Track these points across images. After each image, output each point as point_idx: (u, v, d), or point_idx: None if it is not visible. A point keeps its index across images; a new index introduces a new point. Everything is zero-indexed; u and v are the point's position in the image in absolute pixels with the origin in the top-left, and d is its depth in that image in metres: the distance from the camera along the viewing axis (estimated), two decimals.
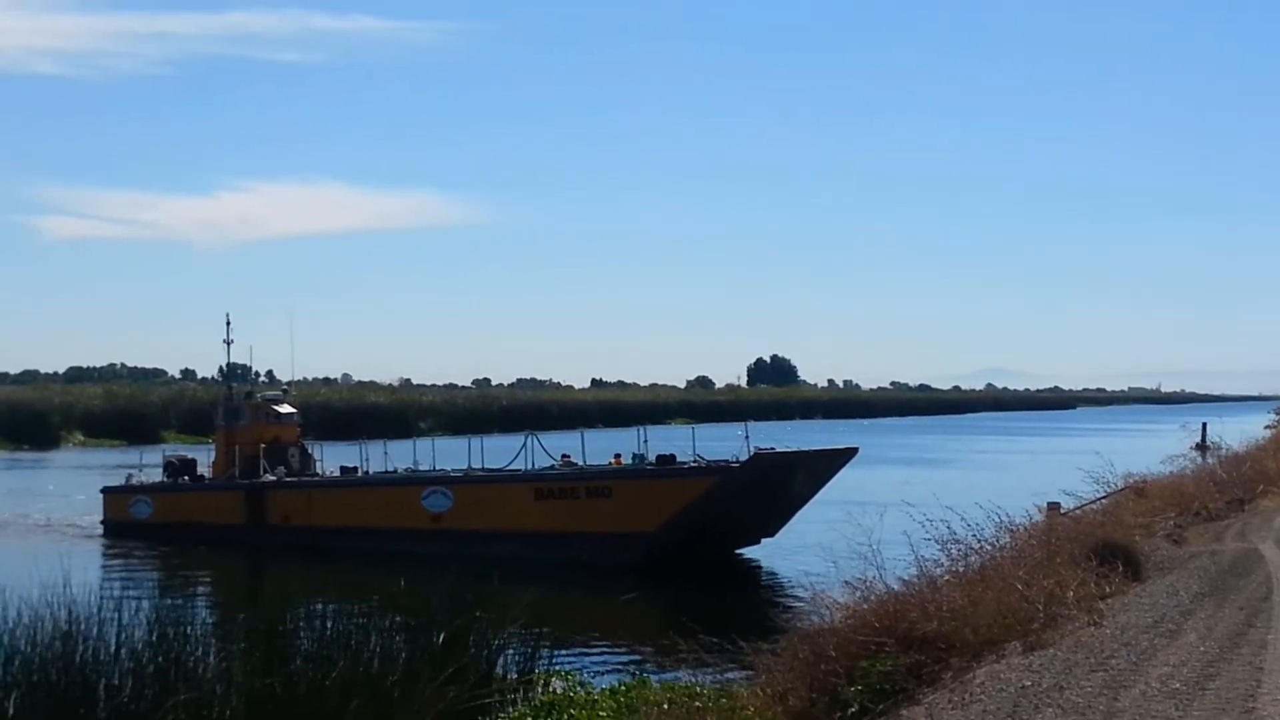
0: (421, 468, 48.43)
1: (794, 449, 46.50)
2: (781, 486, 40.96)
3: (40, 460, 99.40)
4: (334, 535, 44.43)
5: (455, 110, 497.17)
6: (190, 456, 54.90)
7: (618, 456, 43.71)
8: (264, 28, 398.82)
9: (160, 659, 14.25)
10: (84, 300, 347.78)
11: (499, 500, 43.72)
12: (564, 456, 44.76)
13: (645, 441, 43.03)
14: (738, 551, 42.06)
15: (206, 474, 53.15)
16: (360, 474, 49.57)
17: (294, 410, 53.78)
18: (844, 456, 43.99)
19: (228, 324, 53.06)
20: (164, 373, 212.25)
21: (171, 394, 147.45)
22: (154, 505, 52.10)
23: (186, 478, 53.35)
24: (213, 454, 53.39)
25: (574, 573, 37.84)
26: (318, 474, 51.45)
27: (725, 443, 44.42)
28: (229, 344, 53.40)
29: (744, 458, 40.66)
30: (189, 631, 15.06)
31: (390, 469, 49.12)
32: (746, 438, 41.09)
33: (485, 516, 43.06)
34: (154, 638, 14.46)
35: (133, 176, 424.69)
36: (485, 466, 46.28)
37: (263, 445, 50.67)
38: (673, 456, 41.95)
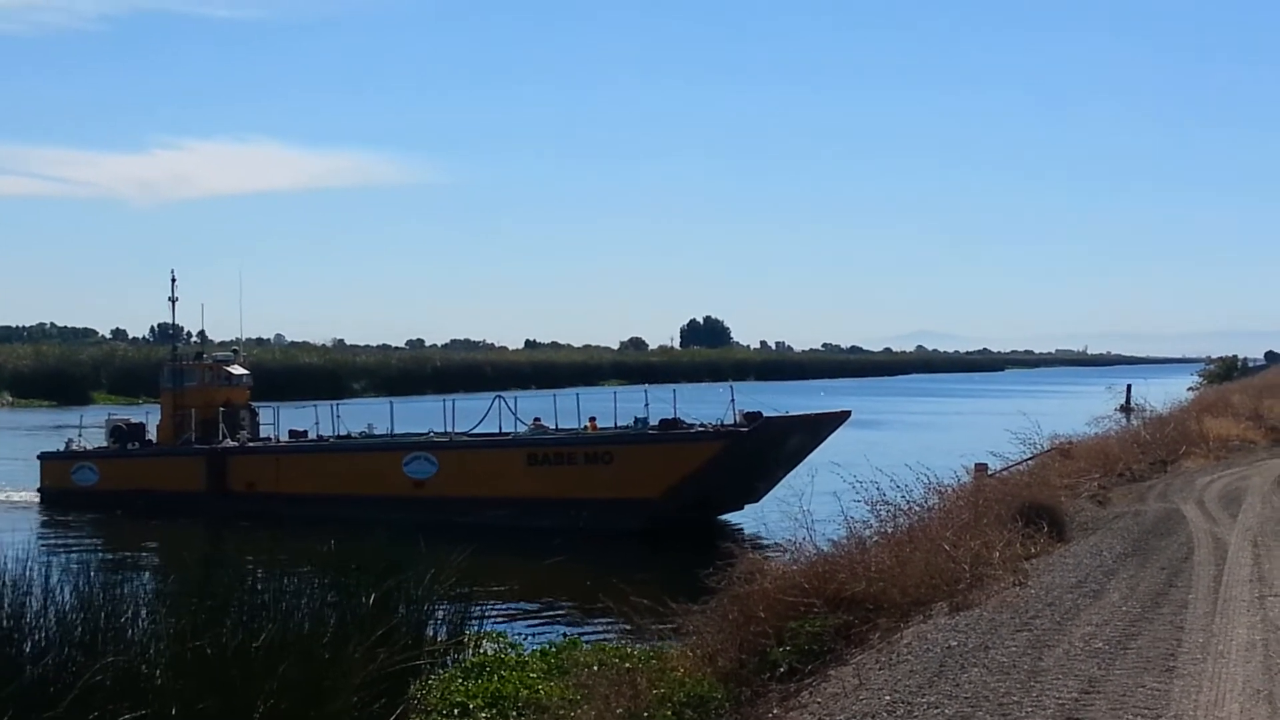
0: (376, 431, 47.34)
1: (795, 413, 45.45)
2: (782, 451, 40.41)
3: None
4: (304, 503, 42.35)
5: (390, 69, 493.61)
6: (138, 421, 52.55)
7: (593, 420, 42.94)
8: None
9: (88, 622, 14.14)
10: (13, 258, 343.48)
11: (488, 466, 42.49)
12: (535, 420, 44.01)
13: (646, 406, 42.22)
14: (720, 517, 41.25)
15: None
16: (314, 438, 48.12)
17: (245, 371, 51.99)
18: (838, 420, 43.48)
19: (173, 281, 51.25)
20: (94, 332, 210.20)
21: (102, 354, 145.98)
22: (100, 472, 49.98)
23: (136, 443, 51.24)
24: (155, 417, 51.59)
25: (570, 540, 36.18)
26: (268, 438, 49.79)
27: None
28: (174, 301, 51.49)
29: (729, 421, 40.20)
30: (119, 594, 14.92)
31: (344, 433, 47.68)
32: (732, 401, 40.62)
33: (473, 483, 41.91)
34: (82, 601, 14.33)
35: (65, 133, 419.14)
36: (453, 431, 45.11)
37: (222, 409, 48.86)
38: (676, 421, 40.98)
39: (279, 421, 50.42)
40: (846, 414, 44.21)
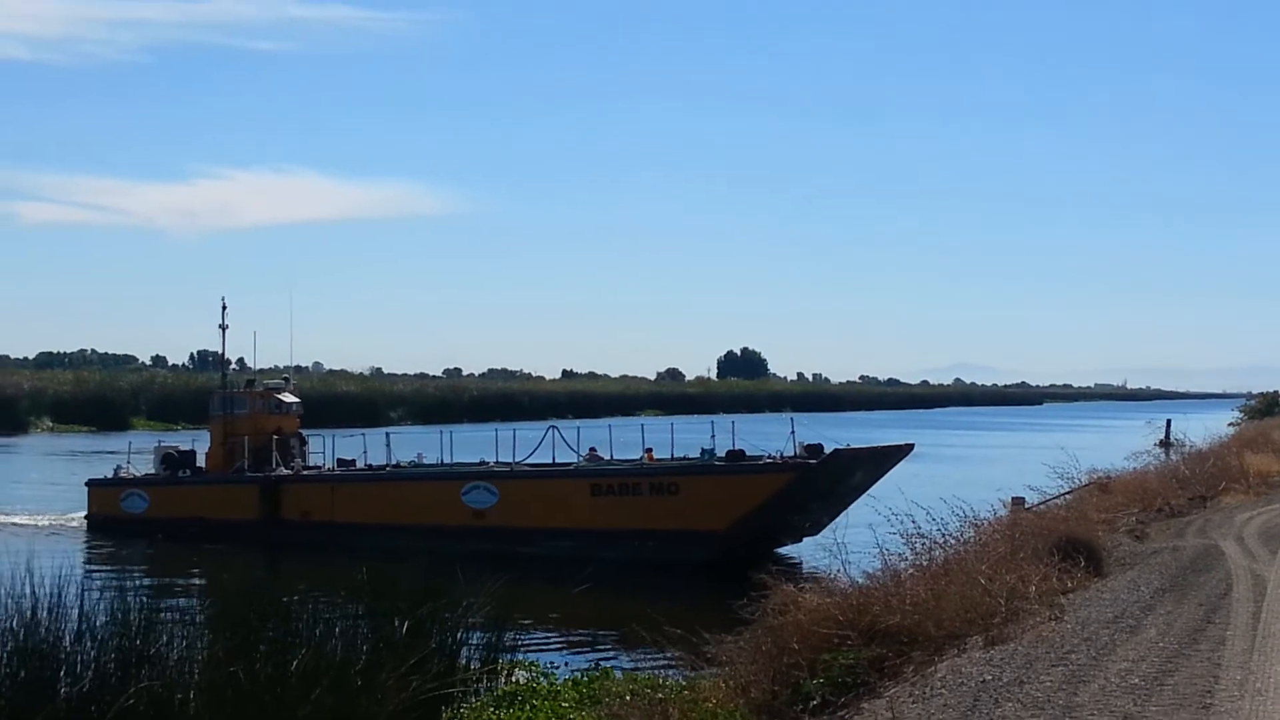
0: (426, 460, 47.17)
1: (863, 446, 44.51)
2: (848, 483, 39.79)
3: (8, 446, 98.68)
4: (360, 532, 41.21)
5: (430, 101, 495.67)
6: (189, 448, 52.20)
7: (649, 451, 42.41)
8: (241, 15, 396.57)
9: (123, 646, 14.21)
10: (56, 286, 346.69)
11: (550, 496, 41.94)
12: (591, 449, 43.64)
13: (712, 436, 41.72)
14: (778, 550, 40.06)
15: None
16: (364, 467, 47.75)
17: (297, 399, 51.53)
18: (902, 453, 42.82)
19: (223, 309, 50.85)
20: (134, 359, 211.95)
21: (141, 381, 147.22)
22: (150, 499, 49.57)
23: (187, 471, 50.80)
24: (201, 444, 51.27)
25: (635, 572, 36.35)
26: (318, 467, 49.37)
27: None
28: (224, 329, 51.15)
29: (789, 452, 39.73)
30: (154, 619, 14.99)
31: (394, 462, 47.28)
32: (793, 433, 40.06)
33: (534, 513, 41.40)
34: (118, 625, 14.41)
35: (108, 163, 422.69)
36: (514, 460, 44.01)
37: (275, 437, 48.54)
38: (742, 452, 40.46)
39: (329, 450, 49.85)
40: (910, 447, 43.41)
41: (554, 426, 44.90)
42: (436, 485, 44.44)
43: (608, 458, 43.22)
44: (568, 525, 40.60)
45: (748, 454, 40.80)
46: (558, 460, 43.71)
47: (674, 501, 39.73)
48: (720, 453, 41.06)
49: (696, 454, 42.48)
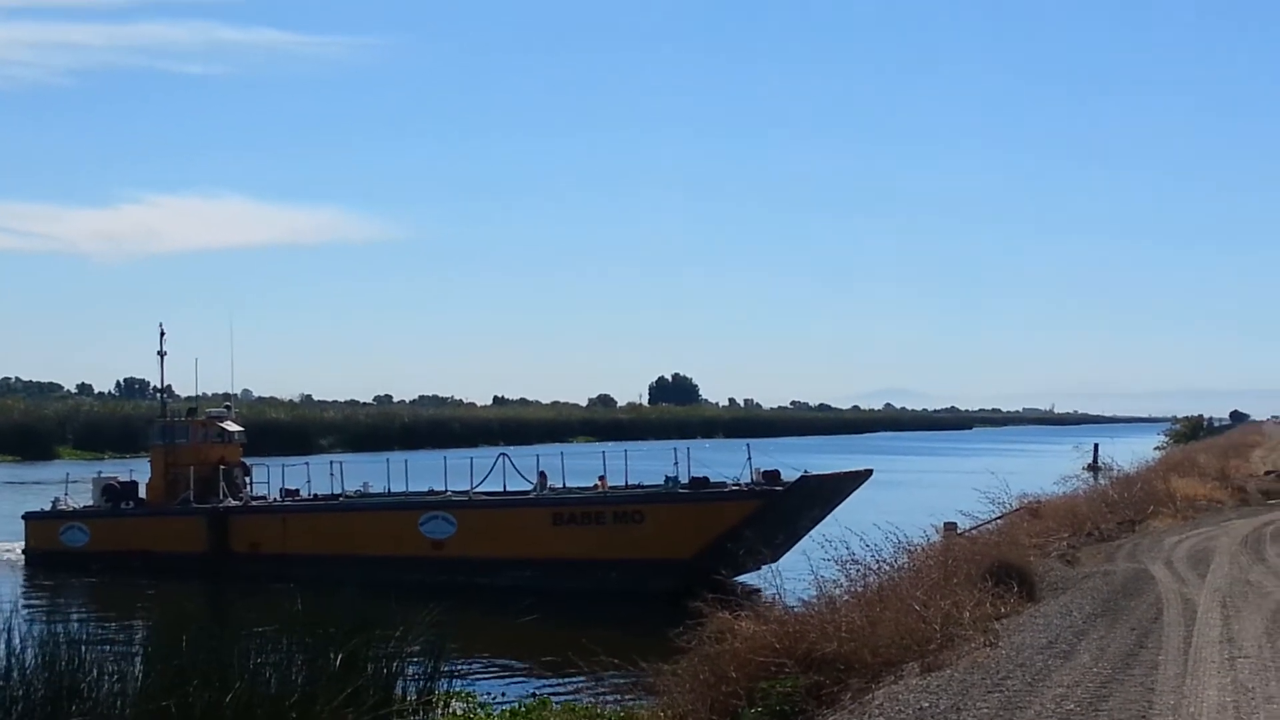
0: (372, 489, 46.44)
1: (828, 472, 43.32)
2: (810, 510, 39.27)
3: None
4: (314, 564, 39.28)
5: (359, 125, 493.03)
6: (131, 479, 50.80)
7: (602, 478, 41.90)
8: (169, 39, 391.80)
9: (52, 682, 14.02)
10: None
11: (511, 526, 41.12)
12: (541, 473, 42.85)
13: (676, 464, 40.78)
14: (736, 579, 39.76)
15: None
16: (309, 497, 46.83)
17: (240, 428, 50.50)
18: (861, 479, 42.35)
19: (161, 335, 49.69)
20: (59, 387, 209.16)
21: (67, 409, 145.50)
22: (91, 533, 48.48)
23: (129, 503, 49.56)
24: (140, 475, 50.22)
25: (599, 602, 35.79)
26: (263, 497, 48.23)
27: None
28: (162, 356, 49.87)
29: (745, 479, 39.39)
30: (84, 653, 14.81)
31: (339, 492, 46.27)
32: (749, 459, 39.67)
33: (495, 543, 40.59)
34: (47, 661, 14.22)
35: (32, 188, 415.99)
36: (471, 489, 43.16)
37: (222, 467, 47.55)
38: (705, 479, 39.92)
39: (272, 480, 48.84)
40: (869, 473, 42.95)
41: (504, 454, 44.14)
42: (393, 515, 43.57)
43: (560, 485, 42.65)
44: (529, 555, 39.81)
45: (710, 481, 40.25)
46: (508, 488, 43.00)
47: (638, 530, 39.11)
48: (684, 480, 40.40)
49: (644, 481, 42.07)
